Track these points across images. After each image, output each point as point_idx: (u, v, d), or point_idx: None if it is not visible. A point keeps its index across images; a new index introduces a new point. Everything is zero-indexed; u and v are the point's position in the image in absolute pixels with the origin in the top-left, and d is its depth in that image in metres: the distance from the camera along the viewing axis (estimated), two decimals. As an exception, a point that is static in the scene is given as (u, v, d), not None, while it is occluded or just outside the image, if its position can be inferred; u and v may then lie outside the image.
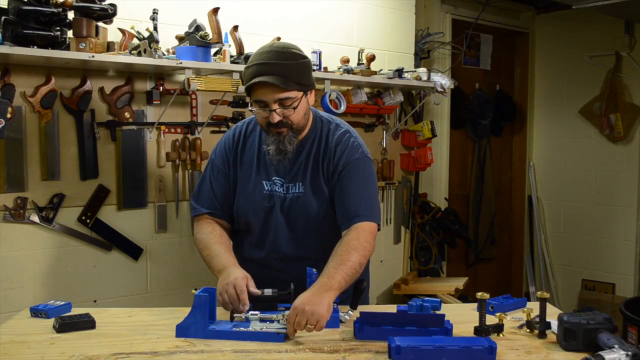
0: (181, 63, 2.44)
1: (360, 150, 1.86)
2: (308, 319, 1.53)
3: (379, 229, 1.83)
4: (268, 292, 1.68)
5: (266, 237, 1.89)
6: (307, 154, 1.86)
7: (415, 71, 3.39)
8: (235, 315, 1.63)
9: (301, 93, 1.76)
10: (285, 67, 1.70)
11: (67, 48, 2.24)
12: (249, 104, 1.81)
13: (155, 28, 2.43)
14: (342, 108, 3.10)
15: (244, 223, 1.92)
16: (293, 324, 1.53)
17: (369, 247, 1.76)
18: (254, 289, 1.68)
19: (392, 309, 1.68)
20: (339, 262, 1.67)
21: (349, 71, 3.09)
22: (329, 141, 1.85)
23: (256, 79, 1.69)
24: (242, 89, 2.62)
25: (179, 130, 2.74)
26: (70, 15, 2.26)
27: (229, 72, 2.62)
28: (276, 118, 1.73)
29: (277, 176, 1.86)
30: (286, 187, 1.86)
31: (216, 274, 1.77)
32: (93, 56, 2.24)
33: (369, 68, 3.15)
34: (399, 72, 3.24)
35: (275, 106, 1.72)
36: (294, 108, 1.74)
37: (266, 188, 1.87)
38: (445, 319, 1.56)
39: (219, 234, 1.87)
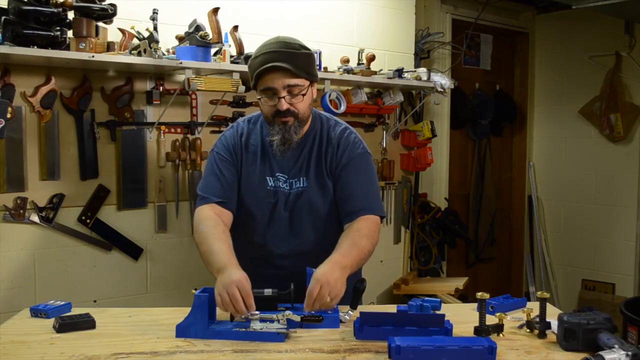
0: (181, 63, 2.44)
1: (362, 146, 1.91)
2: (330, 291, 1.57)
3: (382, 220, 1.89)
4: (268, 292, 1.66)
5: (268, 232, 1.88)
6: (310, 149, 1.87)
7: (415, 71, 3.39)
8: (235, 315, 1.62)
9: (308, 82, 1.79)
10: (294, 55, 1.74)
11: (67, 48, 2.24)
12: (256, 94, 1.81)
13: (155, 28, 2.43)
14: (342, 108, 3.10)
15: (247, 218, 1.90)
16: (314, 297, 1.56)
17: (376, 237, 1.81)
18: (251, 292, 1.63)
19: (392, 309, 1.68)
20: (352, 244, 1.72)
21: (349, 71, 3.09)
22: (331, 136, 1.88)
23: (268, 65, 1.71)
24: (242, 89, 2.63)
25: (179, 130, 2.74)
26: (70, 15, 2.26)
27: (229, 72, 2.62)
28: (284, 105, 1.75)
29: (281, 172, 1.87)
30: (290, 183, 1.86)
31: (214, 272, 1.70)
32: (93, 56, 2.25)
33: (369, 68, 3.15)
34: (399, 72, 3.24)
35: (284, 93, 1.74)
36: (303, 95, 1.77)
37: (270, 184, 1.87)
38: (445, 319, 1.56)
39: (222, 230, 1.79)
